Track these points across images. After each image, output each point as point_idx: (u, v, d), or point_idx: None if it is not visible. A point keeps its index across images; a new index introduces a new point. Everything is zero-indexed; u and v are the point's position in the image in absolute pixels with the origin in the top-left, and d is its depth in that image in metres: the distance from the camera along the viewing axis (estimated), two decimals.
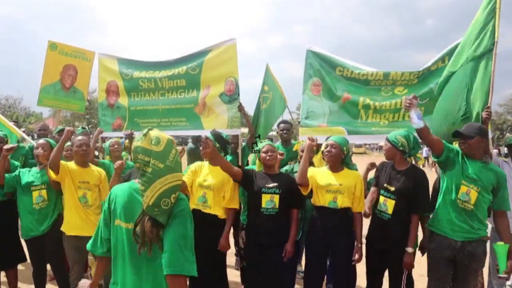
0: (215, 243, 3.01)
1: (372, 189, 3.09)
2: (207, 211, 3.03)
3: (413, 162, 3.71)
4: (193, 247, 1.56)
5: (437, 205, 2.87)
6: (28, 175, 3.30)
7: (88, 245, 1.76)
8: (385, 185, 2.95)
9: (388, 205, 2.90)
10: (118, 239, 1.62)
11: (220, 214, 3.06)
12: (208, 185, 3.06)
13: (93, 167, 3.34)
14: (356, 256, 2.91)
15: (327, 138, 3.16)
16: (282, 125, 4.53)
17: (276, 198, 2.91)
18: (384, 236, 2.92)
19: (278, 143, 4.53)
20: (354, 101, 4.20)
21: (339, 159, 3.03)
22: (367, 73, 4.19)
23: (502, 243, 2.64)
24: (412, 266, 2.85)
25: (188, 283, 3.02)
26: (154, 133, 1.60)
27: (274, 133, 11.34)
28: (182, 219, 1.55)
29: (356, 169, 3.42)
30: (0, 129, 4.09)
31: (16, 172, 3.33)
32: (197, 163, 3.25)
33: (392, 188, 2.90)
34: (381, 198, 2.96)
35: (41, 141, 3.40)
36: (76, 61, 5.66)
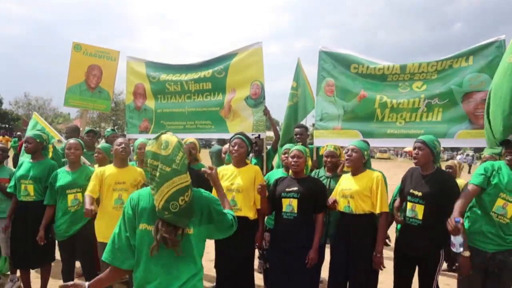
0: (246, 244, 3.09)
1: (397, 199, 3.11)
2: (237, 214, 3.07)
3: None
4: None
5: (467, 216, 2.83)
6: (63, 178, 3.44)
7: (109, 257, 1.70)
8: (411, 190, 2.90)
9: (417, 210, 2.83)
10: (143, 243, 1.66)
11: (251, 215, 3.12)
12: (237, 188, 3.11)
13: (132, 168, 3.41)
14: (374, 266, 2.88)
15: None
16: (296, 129, 4.53)
17: (294, 202, 2.95)
18: (416, 244, 2.85)
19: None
20: (370, 99, 4.14)
21: (360, 164, 3.04)
22: (383, 67, 4.14)
23: None
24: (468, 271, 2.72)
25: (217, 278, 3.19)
26: (165, 136, 1.67)
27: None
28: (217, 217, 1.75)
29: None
30: (42, 131, 4.29)
31: (52, 178, 3.47)
32: (219, 168, 3.29)
33: (420, 193, 2.84)
34: (409, 205, 2.90)
35: (72, 140, 3.55)
36: (100, 61, 5.89)
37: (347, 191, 2.97)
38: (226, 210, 1.83)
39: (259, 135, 4.48)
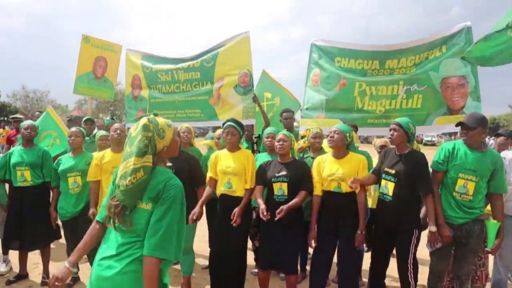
0: (240, 224, 3.48)
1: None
2: (234, 194, 3.51)
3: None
4: (172, 233, 1.73)
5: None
6: (64, 162, 3.96)
7: (99, 216, 1.98)
8: (386, 169, 3.33)
9: (389, 187, 3.27)
10: None
11: (243, 194, 3.53)
12: (232, 171, 3.50)
13: None
14: (356, 243, 3.27)
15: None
16: (284, 113, 4.91)
17: (285, 186, 3.38)
18: (388, 217, 3.28)
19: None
20: (350, 87, 4.55)
21: (342, 145, 3.40)
22: (362, 62, 4.56)
23: (495, 221, 3.09)
24: (436, 243, 3.19)
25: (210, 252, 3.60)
26: (143, 118, 1.86)
27: None
28: (163, 205, 1.75)
29: (367, 154, 3.84)
30: (52, 127, 4.90)
31: (56, 163, 4.02)
32: (213, 155, 3.70)
33: (393, 171, 3.27)
34: (383, 182, 3.34)
35: (73, 129, 4.12)
36: (106, 53, 6.90)
37: (338, 175, 3.32)
38: (163, 238, 1.71)
39: (255, 97, 4.94)
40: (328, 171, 3.39)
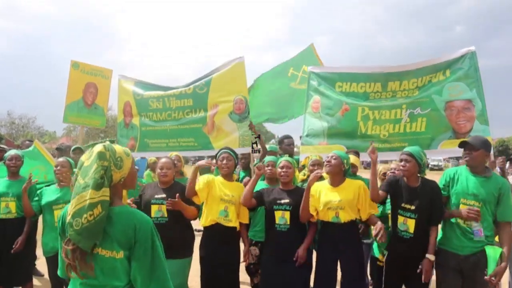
0: (232, 254, 3.41)
1: (382, 192, 3.28)
2: (228, 224, 3.38)
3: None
4: (162, 269, 1.64)
5: (443, 223, 3.18)
6: (49, 193, 3.78)
7: (62, 274, 1.74)
8: (403, 204, 3.16)
9: (408, 224, 3.12)
10: None
11: (237, 226, 3.45)
12: (230, 200, 3.40)
13: None
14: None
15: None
16: (286, 140, 4.87)
17: (287, 214, 3.26)
18: (408, 254, 3.13)
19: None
20: (352, 112, 4.51)
21: (339, 171, 3.29)
22: (365, 85, 4.55)
23: (494, 247, 2.93)
24: (431, 275, 3.08)
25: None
26: (98, 146, 1.67)
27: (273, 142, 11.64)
28: (146, 251, 1.61)
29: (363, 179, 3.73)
30: (40, 161, 4.63)
31: (36, 197, 3.81)
32: (209, 176, 3.57)
33: (412, 207, 3.11)
34: (400, 218, 3.17)
35: (60, 159, 3.93)
36: (96, 79, 6.72)
37: (335, 203, 3.21)
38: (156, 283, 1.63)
39: (259, 135, 4.83)
40: (325, 199, 3.27)
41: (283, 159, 3.46)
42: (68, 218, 1.56)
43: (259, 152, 4.89)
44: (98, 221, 1.54)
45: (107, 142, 1.71)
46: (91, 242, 1.55)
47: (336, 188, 3.30)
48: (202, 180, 3.46)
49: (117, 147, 1.72)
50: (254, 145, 4.77)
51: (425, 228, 3.08)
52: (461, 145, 3.12)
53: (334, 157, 3.29)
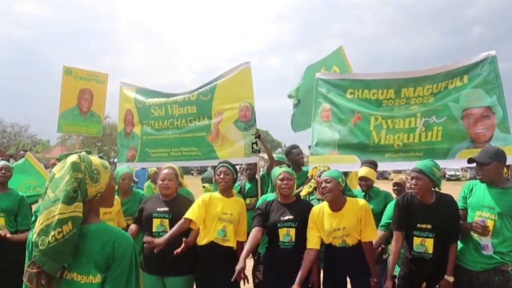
0: (229, 275, 3.10)
1: (396, 234, 3.11)
2: (226, 244, 3.22)
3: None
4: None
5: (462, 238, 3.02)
6: None
7: None
8: (418, 225, 2.97)
9: (427, 245, 2.94)
10: None
11: (235, 246, 3.28)
12: (229, 219, 3.24)
13: None
14: None
15: (321, 174, 3.26)
16: (294, 150, 4.70)
17: (292, 231, 3.04)
18: (427, 275, 3.00)
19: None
20: (365, 121, 4.33)
21: (338, 192, 3.02)
22: (377, 92, 4.38)
23: None
24: None
25: None
26: (71, 156, 1.52)
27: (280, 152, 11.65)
28: (122, 267, 1.46)
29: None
30: (32, 175, 4.43)
31: (33, 217, 3.59)
32: (206, 195, 3.38)
33: (429, 226, 2.93)
34: (416, 239, 2.97)
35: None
36: (90, 84, 6.34)
37: (339, 232, 2.99)
38: None
39: (259, 135, 4.62)
40: (328, 227, 3.01)
41: (283, 170, 3.22)
42: (34, 236, 1.40)
43: (259, 152, 4.69)
44: (68, 239, 1.37)
45: (83, 153, 1.55)
46: (58, 265, 1.38)
47: (337, 213, 3.03)
48: (197, 206, 3.23)
49: (94, 159, 1.56)
50: (254, 145, 4.58)
51: (445, 247, 2.91)
52: (470, 161, 2.97)
53: (328, 181, 2.99)
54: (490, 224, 2.80)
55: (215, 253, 3.19)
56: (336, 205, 3.04)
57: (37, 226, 1.40)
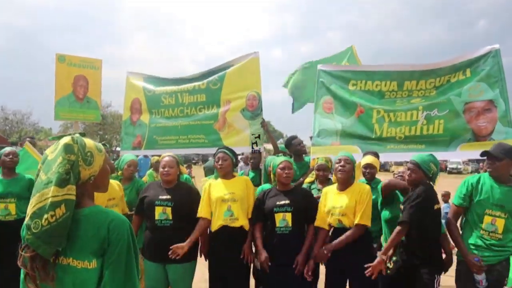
0: (241, 258, 3.26)
1: (398, 228, 2.99)
2: (234, 224, 3.25)
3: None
4: (132, 284, 1.44)
5: (464, 234, 3.08)
6: None
7: None
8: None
9: (497, 224, 2.90)
10: None
11: (246, 224, 3.29)
12: (232, 197, 3.28)
13: (112, 182, 3.47)
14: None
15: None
16: (295, 140, 4.73)
17: (288, 216, 3.12)
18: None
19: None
20: (367, 114, 4.42)
21: (351, 176, 3.17)
22: (380, 84, 4.46)
23: None
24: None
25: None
26: (64, 138, 1.49)
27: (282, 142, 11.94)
28: (119, 251, 1.41)
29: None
30: (34, 166, 4.48)
31: None
32: (206, 185, 3.47)
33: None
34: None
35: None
36: (85, 71, 6.42)
37: (337, 209, 3.09)
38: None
39: (265, 125, 4.69)
40: (330, 204, 3.15)
41: (283, 159, 3.31)
42: (26, 219, 1.37)
43: (259, 137, 4.72)
44: (61, 223, 1.34)
45: (77, 134, 1.52)
46: (52, 248, 1.36)
47: (341, 192, 3.16)
48: (203, 202, 3.35)
49: (88, 141, 1.53)
50: (257, 139, 4.65)
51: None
52: (483, 154, 3.01)
53: (348, 161, 3.14)
54: (500, 223, 2.85)
55: (226, 236, 3.22)
56: (344, 185, 3.17)
57: (30, 209, 1.37)
